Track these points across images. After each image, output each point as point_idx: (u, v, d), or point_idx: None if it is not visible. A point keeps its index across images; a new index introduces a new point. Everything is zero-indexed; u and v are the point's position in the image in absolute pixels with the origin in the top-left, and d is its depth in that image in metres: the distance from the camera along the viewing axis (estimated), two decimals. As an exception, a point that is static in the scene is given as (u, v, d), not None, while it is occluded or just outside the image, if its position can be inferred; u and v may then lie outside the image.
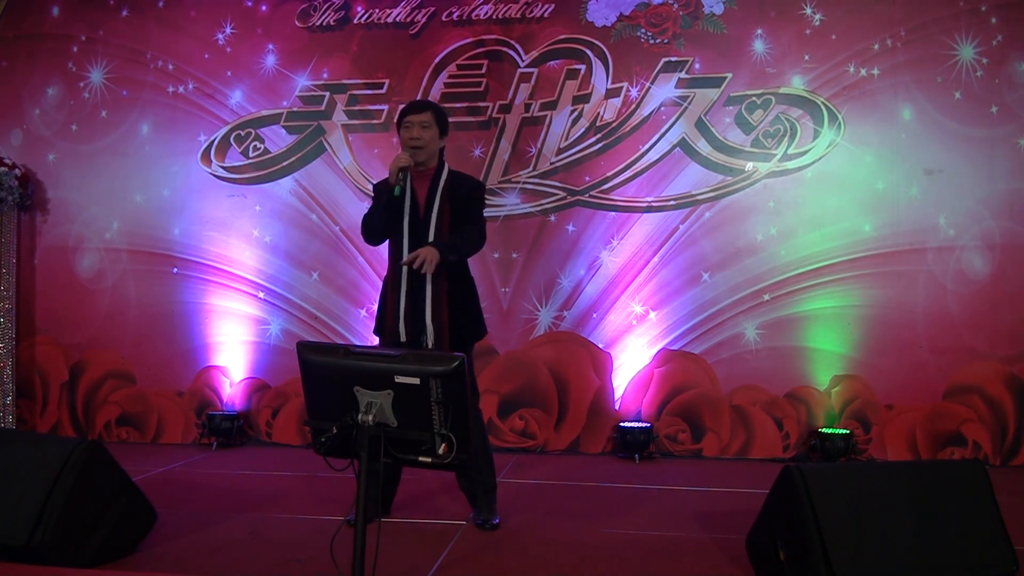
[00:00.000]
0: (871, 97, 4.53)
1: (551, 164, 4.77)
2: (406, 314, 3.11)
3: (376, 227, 3.18)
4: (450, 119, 3.33)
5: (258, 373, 5.00)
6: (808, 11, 4.59)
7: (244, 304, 5.03)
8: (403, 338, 3.11)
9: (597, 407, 4.71)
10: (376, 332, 3.29)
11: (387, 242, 3.24)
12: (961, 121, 4.45)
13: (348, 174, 4.95)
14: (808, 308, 4.55)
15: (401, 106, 4.83)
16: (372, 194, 3.36)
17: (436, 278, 3.09)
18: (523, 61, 4.82)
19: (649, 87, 4.71)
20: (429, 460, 2.20)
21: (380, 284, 4.84)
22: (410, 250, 3.10)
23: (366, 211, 3.25)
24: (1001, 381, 4.38)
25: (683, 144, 4.67)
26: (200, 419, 4.96)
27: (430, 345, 3.08)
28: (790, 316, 4.57)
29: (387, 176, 3.08)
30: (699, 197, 4.67)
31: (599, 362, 4.72)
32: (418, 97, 4.86)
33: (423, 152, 3.10)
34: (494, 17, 4.85)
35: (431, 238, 3.09)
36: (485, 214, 3.30)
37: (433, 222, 3.11)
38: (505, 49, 4.84)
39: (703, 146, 4.66)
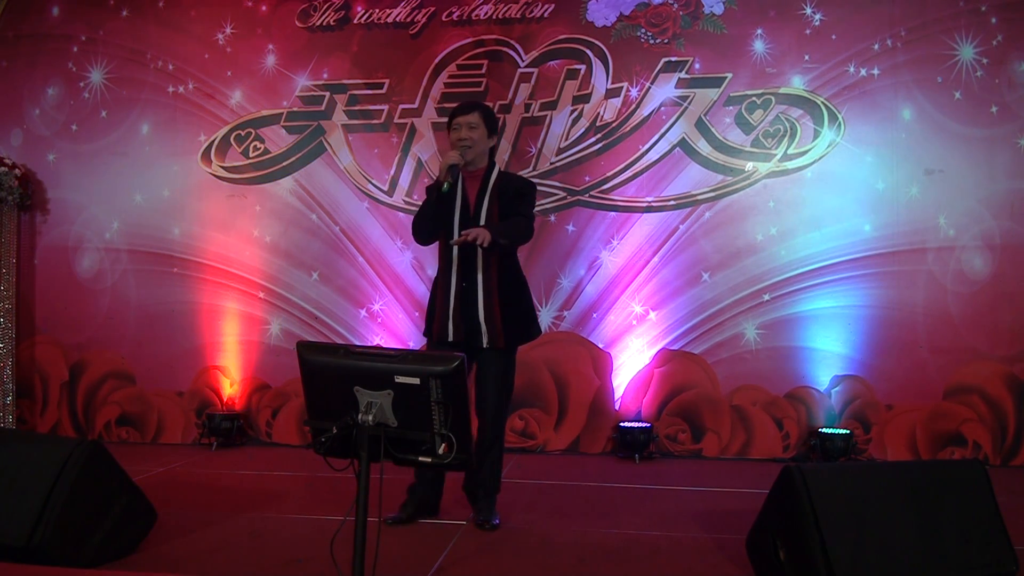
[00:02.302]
0: (871, 97, 4.53)
1: (551, 164, 4.77)
2: (455, 314, 3.10)
3: (425, 225, 3.16)
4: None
5: (258, 373, 5.01)
6: (808, 11, 4.59)
7: (244, 304, 5.03)
8: (451, 338, 3.11)
9: (597, 407, 4.71)
10: (425, 333, 3.29)
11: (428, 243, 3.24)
12: (961, 121, 4.45)
13: (348, 174, 4.95)
14: (808, 308, 4.55)
15: (402, 106, 4.87)
16: (424, 194, 3.33)
17: (487, 278, 3.09)
18: (523, 61, 4.82)
19: (649, 87, 4.71)
20: (429, 460, 2.20)
21: (380, 284, 4.88)
22: (461, 249, 3.09)
23: (417, 210, 3.24)
24: (1001, 381, 4.38)
25: (683, 144, 4.67)
26: (200, 419, 4.96)
27: (485, 345, 3.08)
28: (790, 316, 4.57)
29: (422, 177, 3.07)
30: (699, 197, 4.67)
31: (599, 362, 4.72)
32: (418, 97, 4.87)
33: (471, 152, 3.11)
34: (494, 17, 4.85)
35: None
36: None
37: (482, 220, 3.09)
38: (505, 49, 4.84)
39: (703, 146, 4.66)
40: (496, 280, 3.11)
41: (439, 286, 3.19)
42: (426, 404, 2.15)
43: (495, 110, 4.77)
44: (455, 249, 3.11)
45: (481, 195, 3.14)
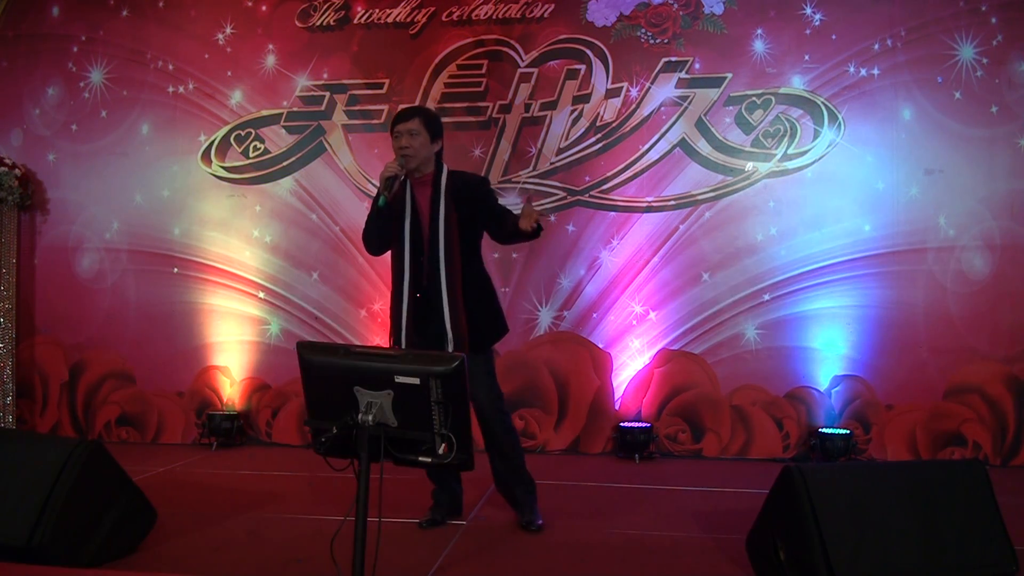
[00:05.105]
0: (871, 97, 4.53)
1: (551, 164, 4.77)
2: (408, 326, 3.06)
3: (372, 237, 3.14)
4: (450, 119, 3.32)
5: (258, 373, 5.00)
6: (808, 11, 4.59)
7: (244, 304, 5.03)
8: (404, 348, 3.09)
9: (597, 407, 4.71)
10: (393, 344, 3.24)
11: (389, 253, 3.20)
12: (961, 121, 4.45)
13: (348, 174, 4.95)
14: (808, 308, 4.55)
15: (402, 106, 4.87)
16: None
17: (451, 284, 3.03)
18: (523, 61, 4.82)
19: (649, 87, 4.71)
20: (429, 460, 2.20)
21: (380, 284, 4.88)
22: (412, 259, 3.05)
23: (365, 221, 3.21)
24: (1001, 381, 4.38)
25: (683, 144, 4.67)
26: (200, 419, 4.97)
27: (450, 350, 3.01)
28: (790, 316, 4.56)
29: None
30: (699, 197, 4.67)
31: (599, 362, 4.72)
32: (418, 97, 4.86)
33: (414, 160, 3.04)
34: (494, 17, 4.85)
35: (440, 243, 3.03)
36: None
37: (441, 226, 3.05)
38: (505, 49, 4.84)
39: (703, 146, 4.66)
40: (461, 285, 3.05)
41: (393, 298, 3.13)
42: (426, 404, 2.15)
43: (495, 110, 4.80)
44: (407, 260, 3.06)
45: (435, 201, 3.07)
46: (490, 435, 3.14)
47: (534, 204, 2.90)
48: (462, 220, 3.08)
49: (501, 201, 4.73)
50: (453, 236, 3.05)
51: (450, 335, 3.02)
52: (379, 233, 3.12)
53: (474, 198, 3.12)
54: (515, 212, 3.09)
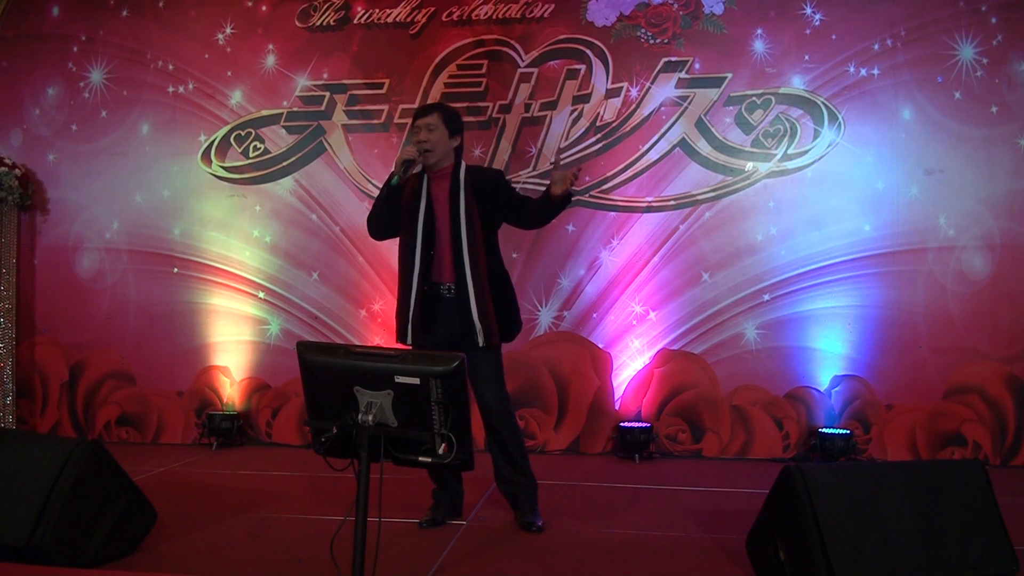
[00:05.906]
0: (871, 97, 4.53)
1: (551, 164, 4.77)
2: (415, 321, 3.06)
3: (379, 220, 3.13)
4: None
5: (258, 373, 5.01)
6: (808, 11, 4.59)
7: (244, 304, 5.03)
8: (409, 341, 3.09)
9: (597, 407, 4.71)
10: (399, 340, 3.21)
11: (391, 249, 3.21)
12: (961, 121, 4.45)
13: (348, 174, 4.95)
14: (808, 308, 4.55)
15: (402, 106, 4.88)
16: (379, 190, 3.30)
17: (477, 278, 3.03)
18: (523, 61, 4.82)
19: (649, 87, 4.71)
20: (429, 460, 2.20)
21: (380, 284, 4.88)
22: (423, 252, 3.05)
23: (372, 203, 3.20)
24: (1001, 381, 4.38)
25: (683, 144, 4.67)
26: (200, 419, 4.97)
27: (481, 344, 3.01)
28: (790, 316, 4.57)
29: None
30: (699, 197, 4.67)
31: (599, 362, 4.72)
32: (418, 97, 4.87)
33: (432, 155, 3.06)
34: (494, 17, 4.85)
35: (463, 234, 3.03)
36: None
37: (463, 219, 3.05)
38: (505, 49, 4.84)
39: (703, 146, 4.66)
40: (487, 277, 3.06)
41: (400, 292, 3.12)
42: (426, 404, 2.15)
43: (495, 110, 4.80)
44: (417, 253, 3.06)
45: (455, 193, 3.08)
46: (495, 435, 3.13)
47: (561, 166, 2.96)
48: (483, 212, 3.09)
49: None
50: (476, 228, 3.05)
51: (479, 327, 3.01)
52: (387, 216, 3.11)
53: (493, 189, 3.13)
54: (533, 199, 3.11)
